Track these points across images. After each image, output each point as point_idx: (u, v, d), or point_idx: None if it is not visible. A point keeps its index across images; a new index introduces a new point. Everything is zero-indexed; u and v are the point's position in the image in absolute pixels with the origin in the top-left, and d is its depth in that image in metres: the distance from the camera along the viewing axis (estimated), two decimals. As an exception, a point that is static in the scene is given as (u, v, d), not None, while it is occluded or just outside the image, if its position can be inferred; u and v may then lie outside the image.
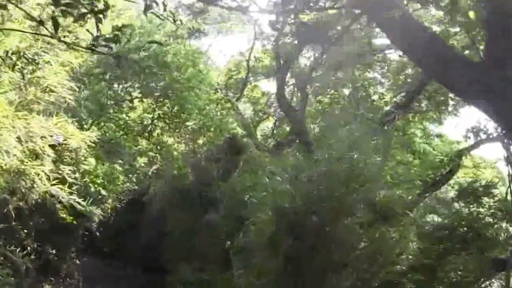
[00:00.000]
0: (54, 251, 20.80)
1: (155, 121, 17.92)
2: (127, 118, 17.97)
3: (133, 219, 27.16)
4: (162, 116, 17.57)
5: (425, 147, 22.66)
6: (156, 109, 17.78)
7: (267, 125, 25.56)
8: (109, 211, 27.19)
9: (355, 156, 12.43)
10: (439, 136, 25.49)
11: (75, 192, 21.41)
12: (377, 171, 12.68)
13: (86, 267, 25.56)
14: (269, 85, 24.08)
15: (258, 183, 16.01)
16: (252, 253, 14.38)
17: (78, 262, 24.53)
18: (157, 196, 22.46)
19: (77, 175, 20.76)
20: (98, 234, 28.05)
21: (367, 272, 12.30)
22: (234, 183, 18.12)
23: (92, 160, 20.42)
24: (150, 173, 19.00)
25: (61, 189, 17.46)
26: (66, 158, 19.51)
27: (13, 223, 17.44)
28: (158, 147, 18.14)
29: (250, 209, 15.81)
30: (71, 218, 20.40)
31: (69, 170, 19.90)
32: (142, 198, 26.67)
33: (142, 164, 19.18)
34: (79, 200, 20.47)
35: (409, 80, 19.24)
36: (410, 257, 12.68)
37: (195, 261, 18.13)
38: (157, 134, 18.08)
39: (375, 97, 19.80)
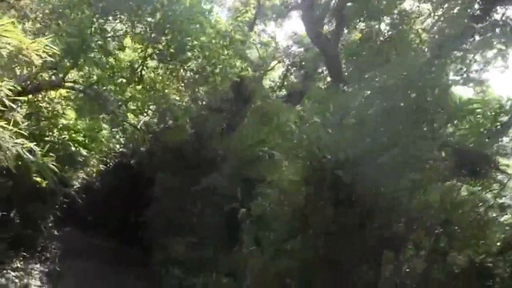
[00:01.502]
0: (27, 222, 17.37)
1: (147, 61, 14.40)
2: (114, 59, 14.40)
3: (120, 185, 23.80)
4: (156, 54, 14.07)
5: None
6: (149, 47, 14.23)
7: (273, 76, 22.22)
8: (93, 175, 23.94)
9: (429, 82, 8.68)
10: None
11: (52, 153, 18.14)
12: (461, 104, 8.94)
13: (65, 239, 22.51)
14: (278, 31, 20.91)
15: (278, 132, 12.50)
16: (269, 225, 11.00)
17: (56, 233, 21.31)
18: (146, 155, 18.95)
19: (54, 132, 17.27)
20: (80, 201, 25.09)
21: (443, 253, 8.81)
22: (242, 136, 14.33)
23: (71, 113, 16.91)
24: (139, 126, 15.55)
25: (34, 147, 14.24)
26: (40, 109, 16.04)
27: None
28: (150, 94, 14.67)
29: (265, 167, 12.53)
30: (46, 182, 17.05)
31: (44, 124, 16.50)
32: (130, 160, 23.29)
33: (131, 116, 15.76)
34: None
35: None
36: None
37: (190, 235, 14.48)
38: (149, 78, 14.63)
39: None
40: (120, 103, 14.74)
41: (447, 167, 8.69)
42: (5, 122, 13.83)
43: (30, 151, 8.59)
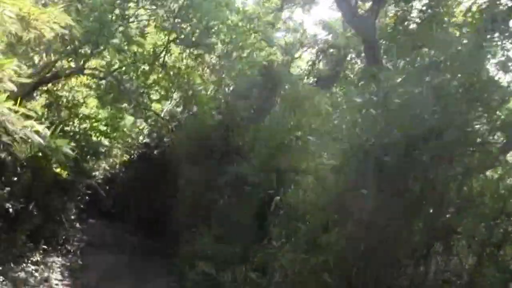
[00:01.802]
0: (47, 214, 16.81)
1: (171, 47, 13.64)
2: (136, 46, 13.64)
3: (144, 176, 23.15)
4: (180, 39, 13.28)
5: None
6: (173, 32, 13.45)
7: (301, 64, 21.37)
8: (116, 167, 23.39)
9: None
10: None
11: (73, 143, 17.51)
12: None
13: (88, 232, 21.97)
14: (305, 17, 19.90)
15: (313, 116, 11.59)
16: (303, 216, 10.15)
17: (78, 226, 20.77)
18: (170, 146, 18.18)
19: (75, 121, 16.69)
20: (103, 193, 24.55)
21: (496, 246, 7.79)
22: (272, 122, 13.40)
23: (92, 102, 16.29)
24: (163, 115, 14.79)
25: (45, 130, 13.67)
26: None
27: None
28: (174, 81, 13.92)
29: (298, 154, 11.70)
30: (66, 173, 16.45)
31: (65, 114, 15.93)
32: (153, 151, 22.65)
33: (155, 105, 15.02)
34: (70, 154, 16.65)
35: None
36: None
37: (217, 228, 13.65)
38: (173, 64, 13.88)
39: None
40: (142, 91, 14.03)
41: (503, 151, 7.77)
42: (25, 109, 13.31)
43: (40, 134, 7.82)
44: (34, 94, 13.72)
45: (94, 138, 16.73)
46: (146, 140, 23.39)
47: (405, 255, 8.27)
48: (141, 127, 20.84)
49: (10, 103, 6.49)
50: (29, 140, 15.79)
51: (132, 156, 23.83)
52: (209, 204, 14.27)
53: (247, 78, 14.64)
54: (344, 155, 8.64)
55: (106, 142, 17.15)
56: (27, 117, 6.99)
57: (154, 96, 15.09)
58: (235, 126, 14.36)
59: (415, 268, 8.31)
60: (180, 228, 16.51)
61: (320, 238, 9.11)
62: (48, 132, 7.35)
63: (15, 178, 13.93)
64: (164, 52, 13.61)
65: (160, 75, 14.00)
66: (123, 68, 13.35)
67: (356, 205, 8.46)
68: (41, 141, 6.89)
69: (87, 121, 16.23)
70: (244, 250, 12.06)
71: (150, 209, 22.27)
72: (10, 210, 14.06)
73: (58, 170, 16.10)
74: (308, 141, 10.98)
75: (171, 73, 13.94)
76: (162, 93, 14.96)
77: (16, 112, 7.21)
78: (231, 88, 15.14)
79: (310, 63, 20.16)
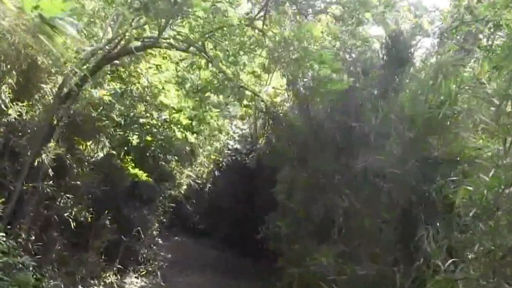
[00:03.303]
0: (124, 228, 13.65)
1: (271, 10, 10.11)
2: (223, 15, 10.15)
3: (236, 186, 19.80)
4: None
5: None
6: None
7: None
8: (203, 176, 20.21)
9: None
10: None
11: (152, 142, 14.24)
12: None
13: (172, 250, 18.91)
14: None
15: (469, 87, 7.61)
16: (486, 223, 6.25)
17: (161, 242, 17.68)
18: (267, 144, 14.38)
19: (154, 113, 13.44)
20: (188, 207, 21.46)
21: None
22: (409, 101, 9.28)
23: (172, 91, 12.92)
24: (261, 99, 11.03)
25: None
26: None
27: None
28: (274, 56, 10.26)
29: (457, 138, 7.84)
30: (146, 177, 13.28)
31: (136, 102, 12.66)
32: (246, 158, 19.18)
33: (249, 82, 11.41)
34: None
35: None
36: None
37: (339, 243, 9.63)
38: (273, 34, 10.29)
39: None
40: (236, 66, 10.57)
41: None
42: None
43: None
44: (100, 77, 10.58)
45: (177, 134, 13.34)
46: (237, 146, 20.04)
47: None
48: (228, 128, 17.43)
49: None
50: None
51: (221, 165, 20.61)
52: (326, 212, 10.38)
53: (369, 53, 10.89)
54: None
55: (191, 138, 13.72)
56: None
57: (249, 75, 11.63)
58: (356, 111, 10.52)
59: None
60: (281, 244, 12.72)
61: None
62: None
63: (79, 183, 10.69)
64: (262, 13, 10.10)
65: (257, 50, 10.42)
66: (211, 34, 9.91)
67: None
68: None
69: (167, 111, 12.90)
70: (381, 272, 8.22)
71: (242, 224, 18.86)
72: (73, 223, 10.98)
73: (135, 171, 12.98)
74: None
75: (271, 45, 10.34)
76: (260, 72, 11.51)
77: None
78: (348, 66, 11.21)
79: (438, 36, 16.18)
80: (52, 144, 9.11)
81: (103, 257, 12.77)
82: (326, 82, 9.83)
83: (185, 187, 17.53)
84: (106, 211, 12.63)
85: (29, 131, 9.08)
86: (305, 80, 11.08)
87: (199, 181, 19.79)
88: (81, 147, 10.63)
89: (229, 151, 19.88)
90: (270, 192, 14.20)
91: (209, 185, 21.23)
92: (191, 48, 10.29)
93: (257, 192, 17.85)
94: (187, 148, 14.57)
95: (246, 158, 18.98)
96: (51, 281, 9.91)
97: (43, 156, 8.85)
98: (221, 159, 20.17)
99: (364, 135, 10.06)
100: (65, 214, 9.80)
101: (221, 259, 19.45)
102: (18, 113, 8.68)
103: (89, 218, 11.29)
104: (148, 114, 12.67)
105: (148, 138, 13.00)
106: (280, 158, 13.55)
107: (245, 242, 18.08)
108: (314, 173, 11.35)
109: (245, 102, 11.60)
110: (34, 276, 8.07)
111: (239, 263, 18.76)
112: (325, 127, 11.21)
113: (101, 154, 11.68)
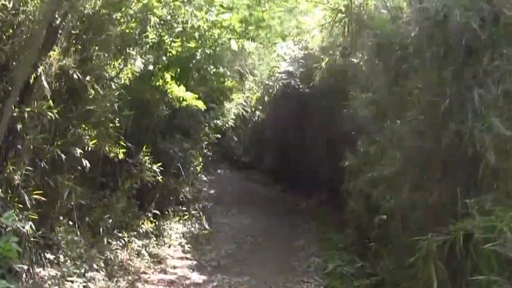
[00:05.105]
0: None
1: None
2: None
3: (289, 116, 16.81)
4: None
5: None
6: None
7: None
8: (251, 103, 17.37)
9: None
10: None
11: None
12: None
13: (216, 186, 16.90)
14: None
15: None
16: None
17: (204, 178, 15.09)
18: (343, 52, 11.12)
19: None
20: (234, 138, 18.78)
21: None
22: None
23: None
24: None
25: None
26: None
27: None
28: None
29: None
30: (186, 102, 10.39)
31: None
32: (301, 84, 16.02)
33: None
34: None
35: None
36: None
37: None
38: None
39: None
40: None
41: None
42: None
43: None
44: None
45: (222, 38, 10.15)
46: (289, 68, 16.77)
47: None
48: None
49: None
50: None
51: (271, 91, 17.66)
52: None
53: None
54: None
55: (250, 48, 10.55)
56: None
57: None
58: None
59: None
60: (357, 182, 9.62)
61: None
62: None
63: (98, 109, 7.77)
64: None
65: None
66: None
67: None
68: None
69: (214, 10, 9.70)
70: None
71: (296, 157, 16.13)
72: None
73: (181, 93, 10.00)
74: None
75: None
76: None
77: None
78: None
79: None
80: (54, 53, 6.26)
81: (135, 202, 10.10)
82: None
83: (232, 116, 14.63)
84: (139, 145, 9.94)
85: (23, 35, 6.21)
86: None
87: (247, 110, 16.99)
88: (98, 62, 7.62)
89: (281, 74, 16.77)
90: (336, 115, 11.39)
91: (257, 113, 18.52)
92: None
93: (317, 119, 14.81)
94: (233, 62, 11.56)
95: (301, 85, 15.88)
96: (68, 236, 7.40)
97: (41, 68, 6.03)
98: (271, 83, 17.28)
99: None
100: (78, 151, 6.99)
101: (270, 196, 17.27)
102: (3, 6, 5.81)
103: (117, 154, 8.52)
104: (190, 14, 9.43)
105: (191, 44, 9.97)
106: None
107: (297, 177, 15.79)
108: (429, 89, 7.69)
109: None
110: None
111: (291, 200, 16.49)
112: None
113: (129, 73, 8.71)
